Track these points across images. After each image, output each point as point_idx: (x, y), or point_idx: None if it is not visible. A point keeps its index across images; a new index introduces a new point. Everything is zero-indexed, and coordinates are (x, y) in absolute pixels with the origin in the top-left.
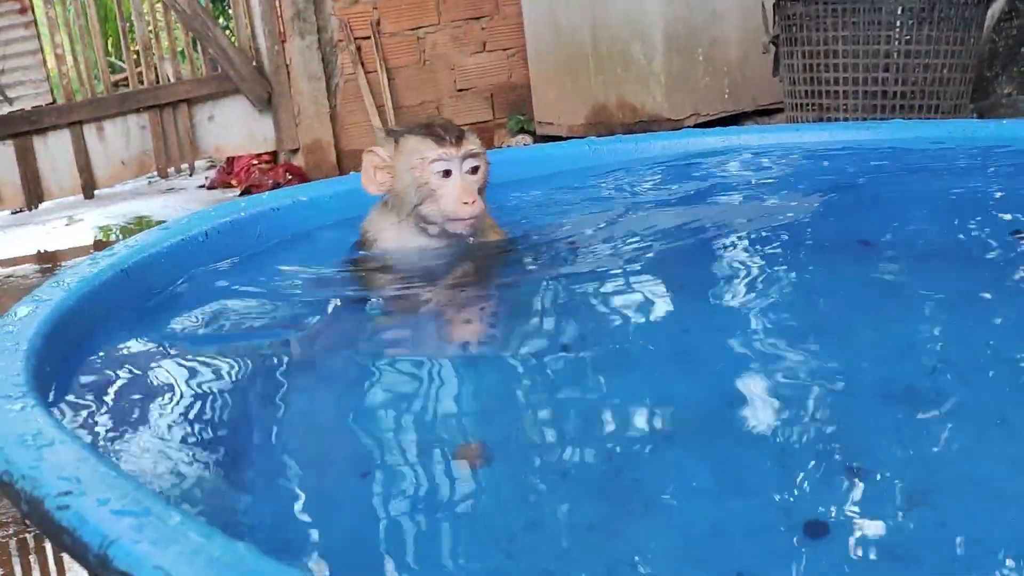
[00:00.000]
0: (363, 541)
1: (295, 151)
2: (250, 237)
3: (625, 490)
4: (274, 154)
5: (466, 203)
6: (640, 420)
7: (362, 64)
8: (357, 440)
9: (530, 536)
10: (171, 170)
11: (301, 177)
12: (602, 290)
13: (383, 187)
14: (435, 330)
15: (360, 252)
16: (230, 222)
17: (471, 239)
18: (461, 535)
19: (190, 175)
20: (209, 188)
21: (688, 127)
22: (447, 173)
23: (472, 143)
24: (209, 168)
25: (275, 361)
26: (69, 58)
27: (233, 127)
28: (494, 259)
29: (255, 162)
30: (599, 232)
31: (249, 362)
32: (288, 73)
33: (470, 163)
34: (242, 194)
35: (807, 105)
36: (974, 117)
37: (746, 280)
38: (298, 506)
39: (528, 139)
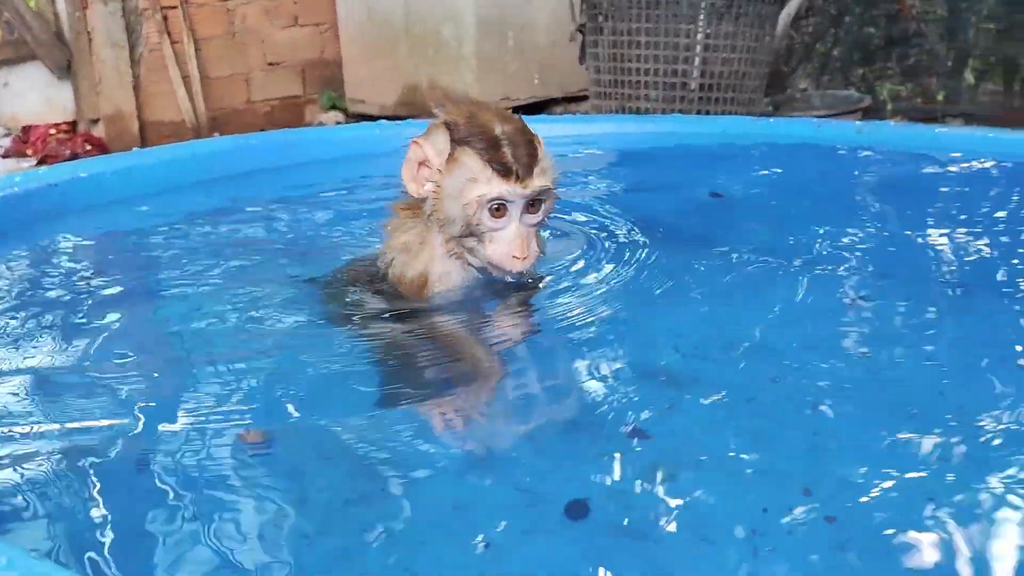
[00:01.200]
0: (136, 518)
1: (96, 121)
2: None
3: (383, 467)
4: (74, 124)
5: (517, 258)
6: (401, 401)
7: (168, 34)
8: (141, 424)
9: (296, 509)
10: None
11: (101, 148)
12: None
13: (424, 192)
14: None
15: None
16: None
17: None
18: (229, 510)
19: None
20: (4, 157)
21: None
22: (502, 210)
23: (541, 178)
24: (4, 136)
25: (69, 338)
26: None
27: (30, 94)
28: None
29: (53, 131)
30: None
31: (33, 344)
32: (89, 40)
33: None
34: (38, 164)
35: (611, 94)
36: (769, 110)
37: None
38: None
39: (340, 116)
